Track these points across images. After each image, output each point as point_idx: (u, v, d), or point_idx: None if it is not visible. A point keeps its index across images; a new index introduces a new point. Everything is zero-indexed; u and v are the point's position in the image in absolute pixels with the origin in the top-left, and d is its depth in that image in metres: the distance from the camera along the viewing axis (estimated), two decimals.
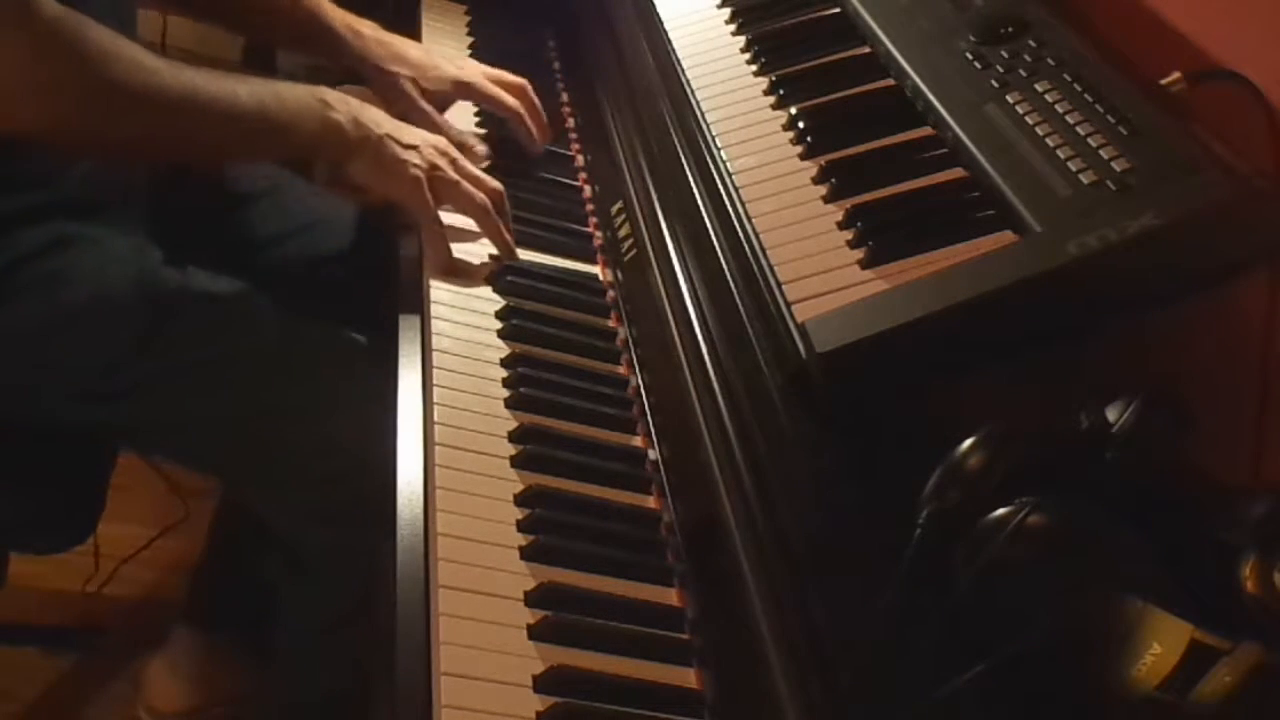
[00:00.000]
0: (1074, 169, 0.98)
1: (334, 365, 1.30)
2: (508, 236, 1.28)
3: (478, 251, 1.30)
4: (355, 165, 1.26)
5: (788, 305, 0.99)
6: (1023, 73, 1.09)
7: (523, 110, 1.46)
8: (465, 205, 1.28)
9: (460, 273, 1.25)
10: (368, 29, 1.48)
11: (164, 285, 1.28)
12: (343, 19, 1.47)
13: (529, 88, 1.49)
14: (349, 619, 1.35)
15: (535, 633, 0.93)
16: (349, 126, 1.24)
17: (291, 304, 1.32)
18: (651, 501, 1.08)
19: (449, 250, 1.26)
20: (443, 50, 1.53)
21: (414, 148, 1.27)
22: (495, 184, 1.31)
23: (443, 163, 1.28)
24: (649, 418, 1.14)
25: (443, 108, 1.47)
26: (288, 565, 1.39)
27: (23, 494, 1.33)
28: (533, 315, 1.23)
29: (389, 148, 1.25)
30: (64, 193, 1.29)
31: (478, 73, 1.48)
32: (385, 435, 1.07)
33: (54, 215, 1.27)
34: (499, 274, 1.27)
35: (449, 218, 1.29)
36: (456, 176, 1.28)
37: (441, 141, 1.31)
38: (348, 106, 1.26)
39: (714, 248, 1.12)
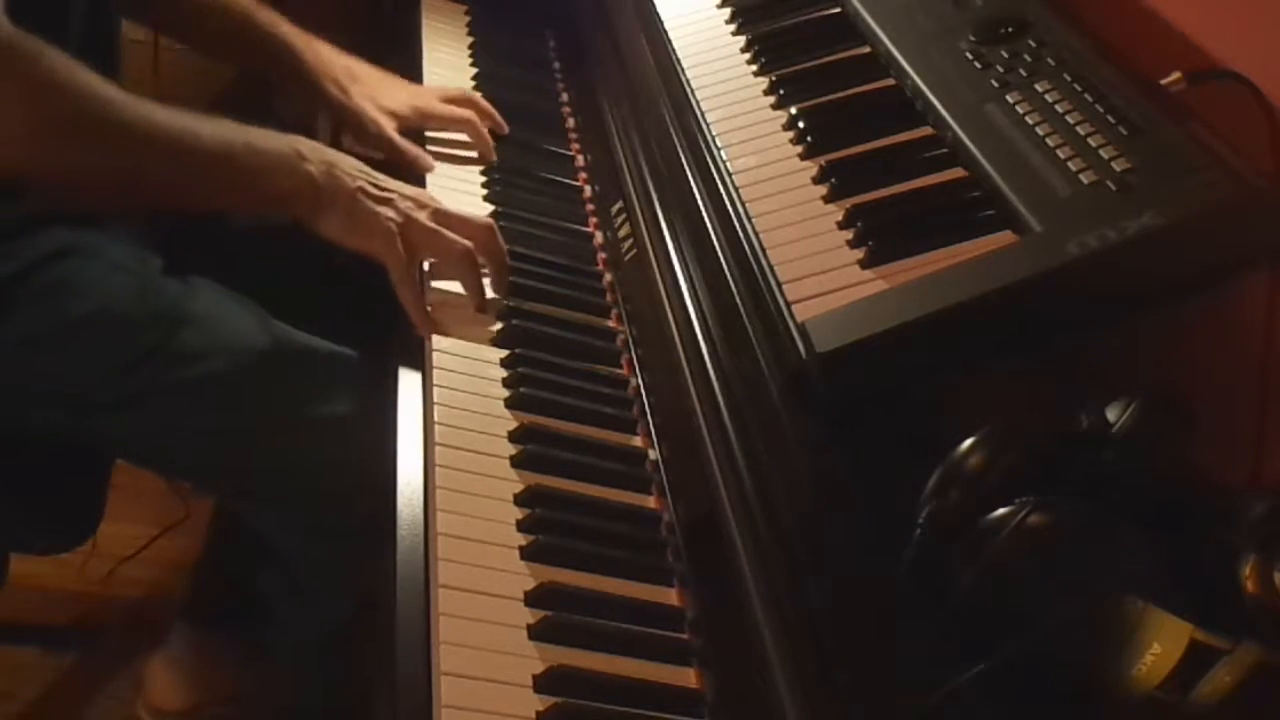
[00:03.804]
0: (1074, 169, 0.98)
1: (336, 381, 1.28)
2: (488, 285, 1.22)
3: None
4: (326, 220, 1.20)
5: (788, 305, 0.99)
6: (1023, 73, 1.09)
7: (475, 119, 1.46)
8: (446, 254, 1.21)
9: (442, 327, 1.18)
10: (324, 47, 1.46)
11: (166, 297, 1.26)
12: (300, 35, 1.45)
13: (475, 97, 1.49)
14: (346, 634, 1.34)
15: (535, 633, 0.93)
16: (321, 178, 1.19)
17: (293, 313, 1.30)
18: (651, 501, 1.08)
19: (424, 307, 1.19)
20: (394, 77, 1.51)
21: (388, 200, 1.20)
22: (483, 221, 1.24)
23: (420, 215, 1.21)
24: (649, 418, 1.14)
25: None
26: (285, 582, 1.38)
27: (24, 495, 1.33)
28: (533, 315, 1.23)
29: (361, 203, 1.19)
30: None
31: (431, 96, 1.48)
32: (385, 447, 1.06)
33: (56, 223, 1.26)
34: None
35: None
36: (435, 225, 1.20)
37: (421, 192, 1.25)
38: (322, 156, 1.20)
39: (714, 248, 1.12)
